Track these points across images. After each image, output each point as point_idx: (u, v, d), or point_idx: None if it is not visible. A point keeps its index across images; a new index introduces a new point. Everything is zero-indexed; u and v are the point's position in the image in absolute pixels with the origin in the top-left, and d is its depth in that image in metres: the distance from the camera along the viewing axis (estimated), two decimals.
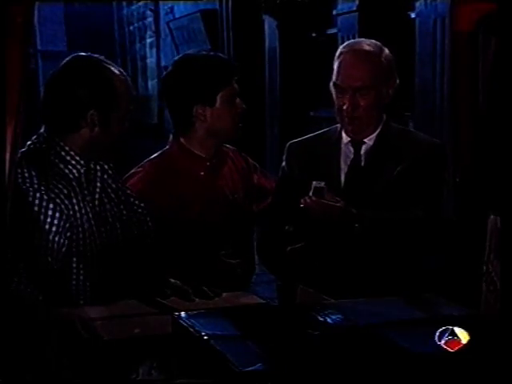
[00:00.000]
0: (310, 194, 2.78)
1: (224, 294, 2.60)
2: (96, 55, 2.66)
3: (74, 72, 2.60)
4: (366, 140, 2.93)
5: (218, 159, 3.08)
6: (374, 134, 2.94)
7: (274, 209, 3.08)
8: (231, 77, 3.00)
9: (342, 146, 2.96)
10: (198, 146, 3.03)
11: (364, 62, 2.91)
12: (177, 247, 2.82)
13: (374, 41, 2.98)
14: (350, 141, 2.95)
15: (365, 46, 2.94)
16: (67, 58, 2.65)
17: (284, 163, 3.07)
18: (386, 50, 2.96)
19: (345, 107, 2.89)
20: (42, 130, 2.61)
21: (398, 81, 2.96)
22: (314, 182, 2.80)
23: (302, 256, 2.62)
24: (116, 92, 2.57)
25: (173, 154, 3.06)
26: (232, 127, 3.01)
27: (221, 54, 3.16)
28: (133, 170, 3.04)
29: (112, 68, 2.62)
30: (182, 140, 3.05)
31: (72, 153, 2.55)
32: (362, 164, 2.93)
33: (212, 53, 3.14)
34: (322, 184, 2.79)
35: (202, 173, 3.03)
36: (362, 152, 2.93)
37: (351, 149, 2.95)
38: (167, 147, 3.10)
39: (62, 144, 2.55)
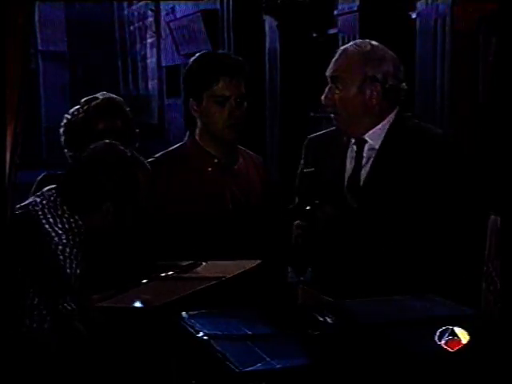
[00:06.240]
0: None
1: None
2: (121, 148, 2.65)
3: (101, 163, 2.60)
4: (368, 139, 2.89)
5: (230, 159, 3.09)
6: (380, 135, 2.89)
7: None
8: (217, 77, 2.98)
9: (350, 144, 2.94)
10: (208, 143, 3.07)
11: (342, 55, 2.90)
12: (175, 238, 2.88)
13: (375, 42, 2.93)
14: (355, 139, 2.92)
15: (356, 43, 2.94)
16: (96, 146, 2.64)
17: (302, 159, 3.05)
18: (381, 51, 2.88)
19: (322, 97, 2.90)
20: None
21: (395, 82, 2.90)
22: None
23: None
24: (137, 187, 2.62)
25: (186, 148, 3.12)
26: (220, 128, 3.01)
27: (232, 55, 3.15)
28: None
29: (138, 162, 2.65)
30: (196, 136, 3.09)
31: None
32: (363, 164, 2.89)
33: (224, 52, 3.16)
34: None
35: (210, 169, 3.06)
36: (365, 153, 2.90)
37: (355, 147, 2.92)
38: (183, 142, 3.16)
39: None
